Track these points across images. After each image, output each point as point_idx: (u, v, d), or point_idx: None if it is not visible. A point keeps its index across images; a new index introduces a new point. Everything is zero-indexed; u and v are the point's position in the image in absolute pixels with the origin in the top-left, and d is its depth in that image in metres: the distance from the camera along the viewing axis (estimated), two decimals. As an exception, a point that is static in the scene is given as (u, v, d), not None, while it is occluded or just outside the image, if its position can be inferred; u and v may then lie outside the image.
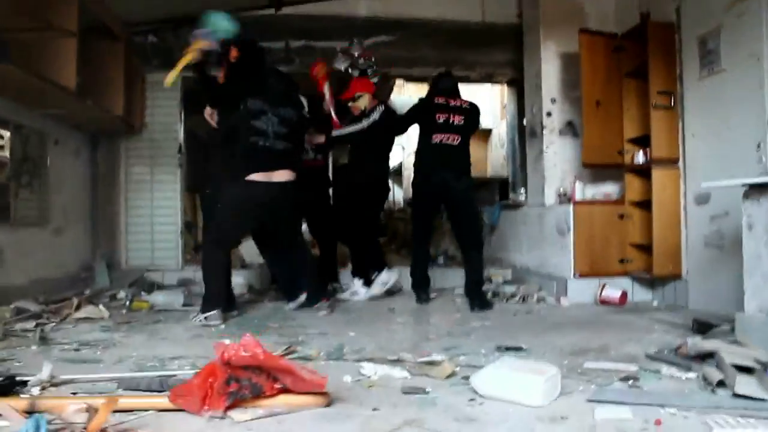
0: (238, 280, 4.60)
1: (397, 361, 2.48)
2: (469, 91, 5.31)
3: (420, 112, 4.38)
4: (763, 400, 1.89)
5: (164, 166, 5.40)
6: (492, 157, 8.61)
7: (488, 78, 5.96)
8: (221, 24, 3.64)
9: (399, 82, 6.97)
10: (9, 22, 3.34)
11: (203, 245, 3.78)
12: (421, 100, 4.52)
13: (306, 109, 4.14)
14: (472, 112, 4.36)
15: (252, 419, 1.78)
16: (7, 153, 3.94)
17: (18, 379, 2.09)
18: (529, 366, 2.12)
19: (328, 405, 1.91)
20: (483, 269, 4.38)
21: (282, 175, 3.70)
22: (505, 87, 6.57)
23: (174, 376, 2.21)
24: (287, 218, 3.95)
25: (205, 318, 3.50)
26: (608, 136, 4.42)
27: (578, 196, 4.52)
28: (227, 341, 1.94)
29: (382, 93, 5.75)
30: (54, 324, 3.41)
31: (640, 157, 4.28)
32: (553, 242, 4.66)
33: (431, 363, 2.42)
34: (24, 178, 4.13)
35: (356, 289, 4.61)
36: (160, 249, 5.35)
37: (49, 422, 1.61)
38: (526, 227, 5.23)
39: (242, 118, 3.68)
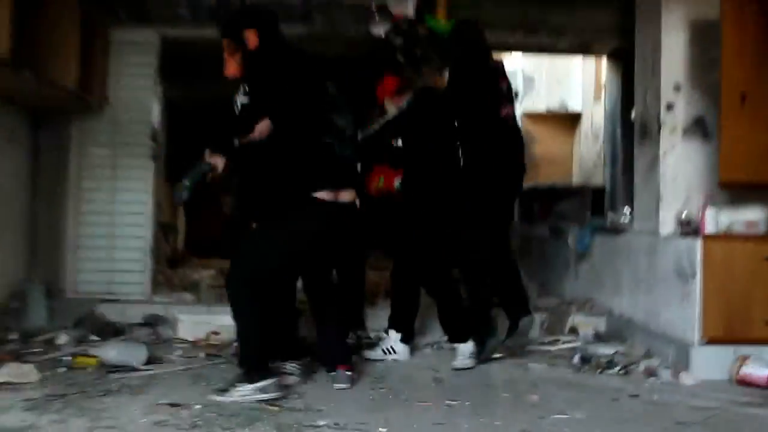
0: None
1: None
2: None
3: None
4: None
5: (131, 158, 5.35)
6: (581, 154, 8.34)
7: (583, 48, 5.89)
8: None
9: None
10: None
11: (233, 287, 3.62)
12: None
13: None
14: None
15: None
16: None
17: None
18: None
19: None
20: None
21: (348, 195, 3.67)
22: (604, 59, 6.40)
23: None
24: (335, 254, 4.07)
25: (260, 390, 3.33)
26: (757, 142, 4.18)
27: (710, 227, 4.24)
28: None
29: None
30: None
31: (804, 175, 4.05)
32: (669, 287, 4.41)
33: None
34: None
35: (392, 345, 4.46)
36: (121, 271, 5.29)
37: None
38: (630, 262, 5.02)
39: (318, 108, 3.58)
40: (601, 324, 5.16)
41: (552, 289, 6.20)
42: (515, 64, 8.36)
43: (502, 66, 4.90)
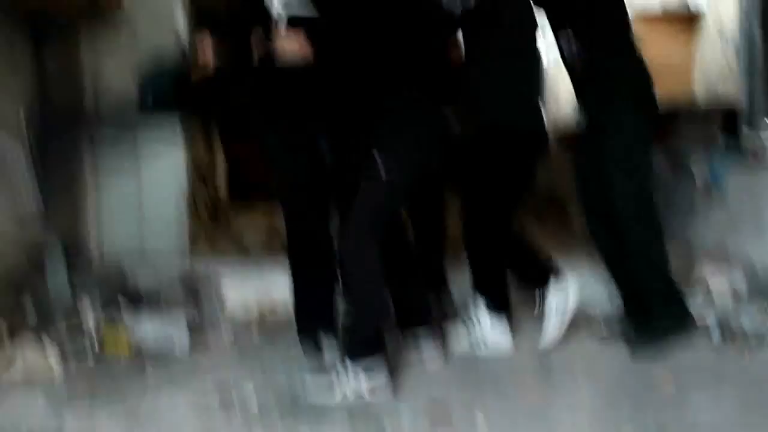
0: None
1: None
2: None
3: None
4: None
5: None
6: (705, 63, 7.77)
7: None
8: None
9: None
10: None
11: (345, 238, 3.31)
12: None
13: None
14: None
15: None
16: None
17: None
18: None
19: None
20: None
21: None
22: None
23: None
24: None
25: (364, 372, 2.98)
26: None
27: None
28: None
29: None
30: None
31: None
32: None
33: None
34: None
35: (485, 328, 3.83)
36: (151, 224, 5.11)
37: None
38: (778, 198, 4.65)
39: None
40: (739, 280, 4.78)
41: (671, 234, 5.86)
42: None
43: None
